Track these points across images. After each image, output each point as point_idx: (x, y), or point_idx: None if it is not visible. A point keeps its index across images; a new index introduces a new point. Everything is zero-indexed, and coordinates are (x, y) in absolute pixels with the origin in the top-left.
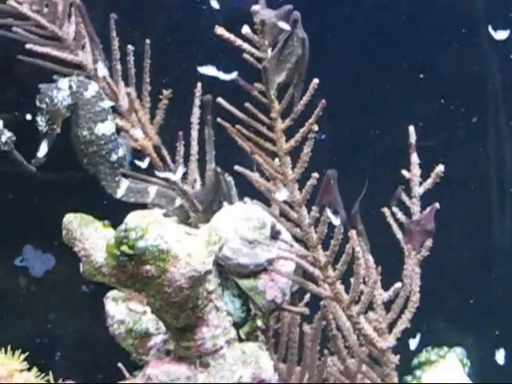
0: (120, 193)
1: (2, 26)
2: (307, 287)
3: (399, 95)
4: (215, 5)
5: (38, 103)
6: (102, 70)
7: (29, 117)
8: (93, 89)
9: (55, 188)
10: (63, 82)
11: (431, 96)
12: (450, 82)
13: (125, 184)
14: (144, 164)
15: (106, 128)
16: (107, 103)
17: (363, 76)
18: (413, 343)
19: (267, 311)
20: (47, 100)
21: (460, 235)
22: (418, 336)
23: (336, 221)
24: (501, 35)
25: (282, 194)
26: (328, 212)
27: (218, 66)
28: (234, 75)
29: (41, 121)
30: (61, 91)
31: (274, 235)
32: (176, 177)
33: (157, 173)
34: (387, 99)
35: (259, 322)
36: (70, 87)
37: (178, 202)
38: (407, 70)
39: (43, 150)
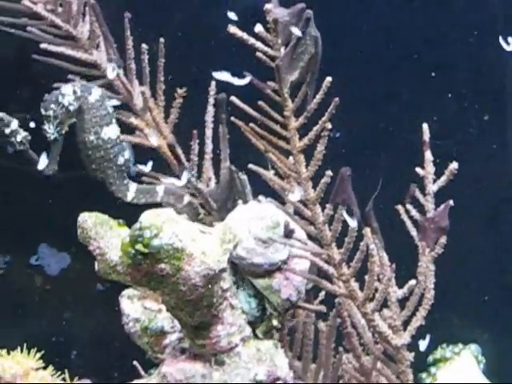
0: (130, 196)
1: (17, 26)
2: (322, 285)
3: (412, 93)
4: (233, 16)
5: (43, 111)
6: (112, 73)
7: (32, 124)
8: (96, 93)
9: (70, 187)
10: (67, 88)
11: (444, 94)
12: (464, 80)
13: (133, 186)
14: (147, 168)
15: (111, 131)
16: (110, 105)
17: (376, 74)
18: (423, 345)
19: (282, 310)
20: (53, 106)
21: (474, 232)
22: (428, 337)
23: (352, 222)
24: None
25: (295, 195)
26: (344, 214)
27: (232, 65)
28: (247, 80)
29: (49, 128)
30: (66, 96)
31: (288, 234)
32: (181, 182)
33: (162, 179)
34: (400, 97)
35: (275, 322)
36: (75, 92)
37: (187, 199)
38: (420, 67)
39: (43, 162)
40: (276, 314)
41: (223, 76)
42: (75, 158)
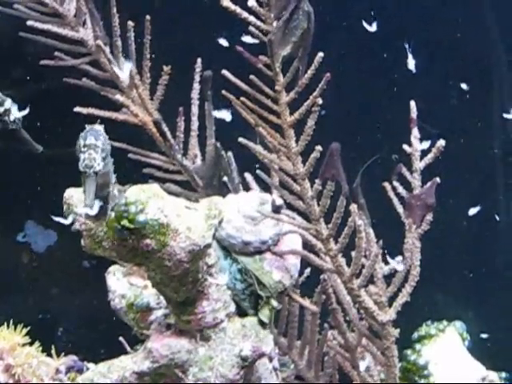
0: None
1: (3, 4)
2: (309, 259)
3: (402, 73)
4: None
5: (93, 140)
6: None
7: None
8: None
9: (56, 164)
10: (101, 128)
11: (433, 74)
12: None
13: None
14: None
15: None
16: None
17: (367, 52)
18: (362, 365)
19: (275, 292)
20: (102, 138)
21: (460, 209)
22: (368, 358)
23: (399, 266)
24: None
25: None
26: (390, 259)
27: (220, 36)
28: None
29: (97, 158)
30: (104, 135)
31: (276, 210)
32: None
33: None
34: (390, 76)
35: (274, 303)
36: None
37: None
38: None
39: (97, 205)
40: (272, 296)
41: (223, 114)
42: (62, 135)
